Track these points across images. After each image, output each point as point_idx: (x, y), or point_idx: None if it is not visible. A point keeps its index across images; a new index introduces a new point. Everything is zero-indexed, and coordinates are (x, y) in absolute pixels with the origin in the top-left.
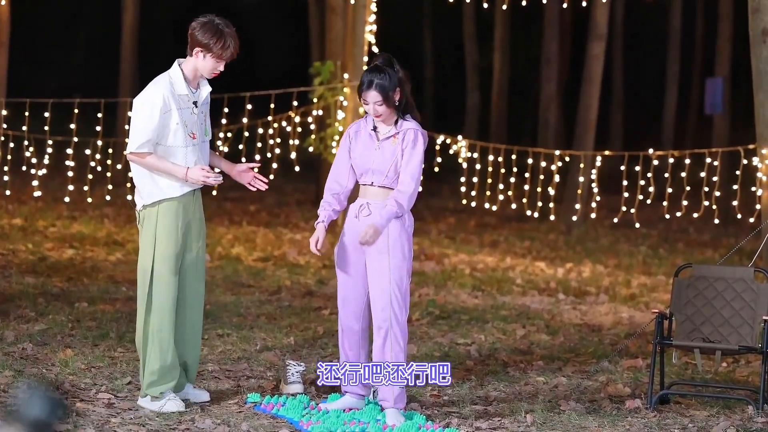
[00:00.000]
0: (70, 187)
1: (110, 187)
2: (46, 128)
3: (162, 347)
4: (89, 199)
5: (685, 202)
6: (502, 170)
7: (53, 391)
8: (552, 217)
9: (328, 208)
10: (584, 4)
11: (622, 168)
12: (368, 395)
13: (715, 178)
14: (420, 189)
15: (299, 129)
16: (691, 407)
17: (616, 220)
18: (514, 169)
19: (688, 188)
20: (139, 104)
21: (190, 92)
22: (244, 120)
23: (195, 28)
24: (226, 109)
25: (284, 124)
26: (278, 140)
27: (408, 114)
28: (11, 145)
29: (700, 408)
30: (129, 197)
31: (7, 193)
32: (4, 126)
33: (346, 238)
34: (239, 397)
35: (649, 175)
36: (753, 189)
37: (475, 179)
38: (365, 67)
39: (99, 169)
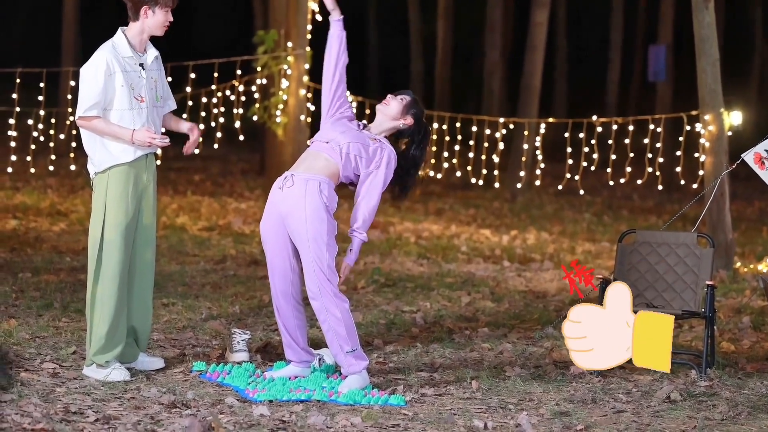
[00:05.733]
0: (13, 158)
1: (53, 157)
2: None
3: (110, 313)
4: (32, 170)
5: (628, 169)
6: (447, 138)
7: None
8: (497, 185)
9: None
10: None
11: (566, 135)
12: (314, 362)
13: (658, 145)
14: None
15: (243, 98)
16: (635, 372)
17: (560, 187)
18: (459, 137)
19: (631, 155)
20: (84, 71)
21: (136, 55)
22: (188, 89)
23: None
24: (169, 78)
25: (228, 93)
26: (222, 110)
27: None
28: None
29: (644, 372)
30: (72, 167)
31: None
32: None
33: (268, 210)
34: (185, 365)
35: (593, 142)
36: (696, 155)
37: None
38: (309, 36)
39: (42, 139)
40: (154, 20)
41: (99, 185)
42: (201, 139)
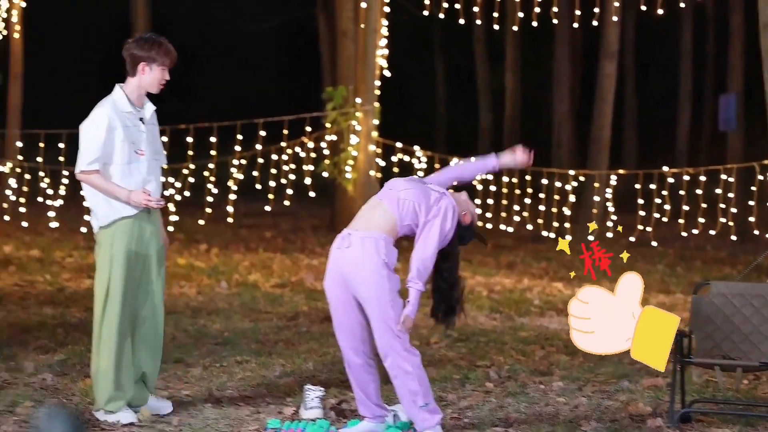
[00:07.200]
0: (86, 217)
1: None
2: (61, 159)
3: (115, 364)
4: None
5: (701, 220)
6: (517, 191)
7: (74, 416)
8: (568, 237)
9: None
10: (595, 23)
11: (637, 186)
12: (388, 418)
13: (730, 195)
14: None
15: (313, 154)
16: (713, 425)
17: (632, 238)
18: (529, 190)
19: (704, 205)
20: (84, 127)
21: (135, 110)
22: (258, 147)
23: (131, 47)
24: (239, 136)
25: (298, 149)
26: (292, 166)
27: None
28: (27, 176)
29: (722, 425)
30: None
31: (24, 224)
32: (20, 158)
33: (330, 270)
34: (259, 423)
35: (665, 192)
36: None
37: (490, 201)
38: (377, 92)
39: None
40: (151, 77)
41: (104, 241)
42: (272, 196)
